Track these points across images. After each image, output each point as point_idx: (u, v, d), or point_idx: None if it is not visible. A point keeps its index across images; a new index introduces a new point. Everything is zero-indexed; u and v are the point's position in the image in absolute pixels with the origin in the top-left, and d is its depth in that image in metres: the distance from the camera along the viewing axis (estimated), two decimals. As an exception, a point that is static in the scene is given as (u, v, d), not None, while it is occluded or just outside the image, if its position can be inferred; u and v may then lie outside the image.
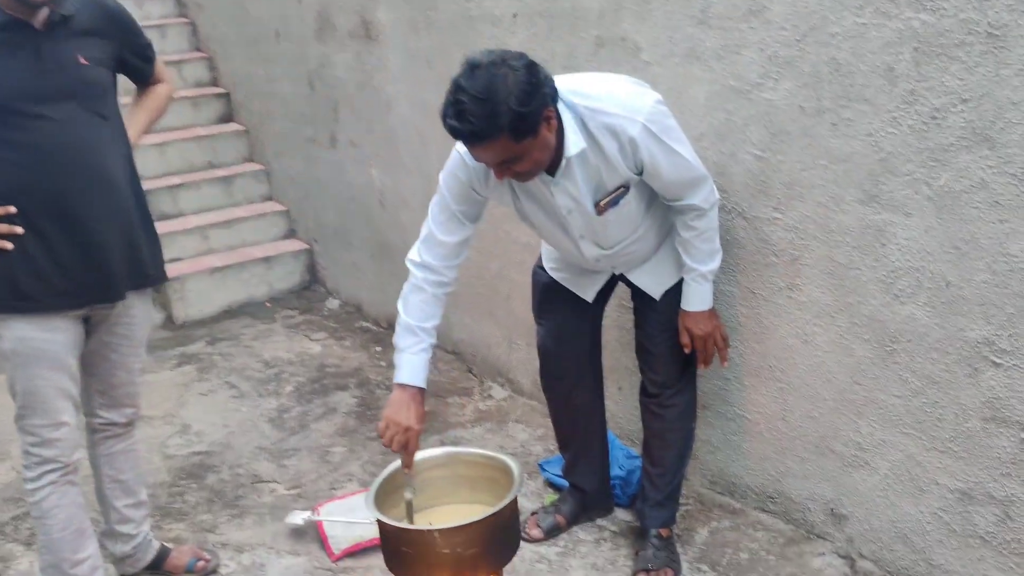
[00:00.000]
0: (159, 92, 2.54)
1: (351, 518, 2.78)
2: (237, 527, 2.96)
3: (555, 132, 2.05)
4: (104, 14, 2.27)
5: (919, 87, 2.06)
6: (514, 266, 3.50)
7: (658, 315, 2.48)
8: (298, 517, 2.89)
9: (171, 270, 5.07)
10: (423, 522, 2.30)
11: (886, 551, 2.44)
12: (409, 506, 2.26)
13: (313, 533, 2.86)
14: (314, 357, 4.39)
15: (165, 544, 2.74)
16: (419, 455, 2.44)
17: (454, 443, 3.39)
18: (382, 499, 2.27)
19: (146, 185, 5.45)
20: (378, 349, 4.43)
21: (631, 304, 2.64)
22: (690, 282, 2.37)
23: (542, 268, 2.62)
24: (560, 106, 2.06)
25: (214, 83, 6.05)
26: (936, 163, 2.08)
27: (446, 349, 4.15)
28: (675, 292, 2.44)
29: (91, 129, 2.22)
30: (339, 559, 2.73)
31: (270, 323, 4.91)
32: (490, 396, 3.80)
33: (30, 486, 2.30)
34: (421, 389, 2.26)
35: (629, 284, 2.50)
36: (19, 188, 2.13)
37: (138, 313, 2.43)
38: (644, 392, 2.60)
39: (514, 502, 2.19)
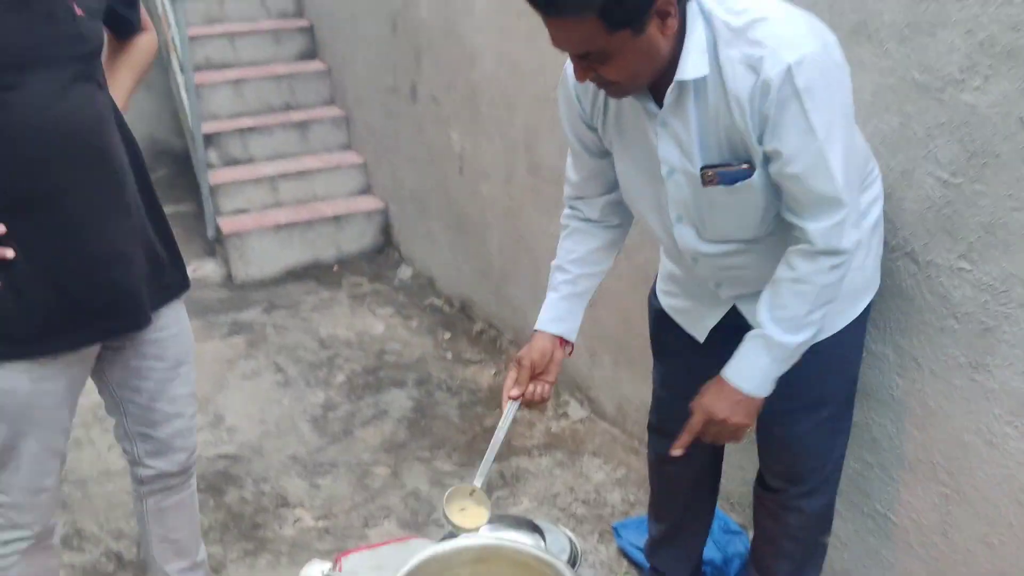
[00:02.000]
0: (144, 45, 1.91)
1: (377, 580, 2.27)
2: (248, 569, 2.49)
3: (671, 39, 1.41)
4: None
5: None
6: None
7: (787, 375, 1.72)
8: (316, 570, 2.39)
9: (235, 223, 4.66)
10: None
11: None
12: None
13: (331, 593, 2.36)
14: (375, 339, 3.88)
15: None
16: (452, 544, 1.90)
17: (514, 476, 2.84)
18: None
19: (216, 127, 5.12)
20: (446, 336, 3.89)
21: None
22: (749, 341, 1.59)
23: (655, 292, 1.98)
24: (691, 9, 1.42)
25: (299, 14, 5.52)
26: None
27: (519, 345, 3.57)
28: (822, 347, 1.68)
29: (87, 101, 1.63)
30: (355, 636, 2.23)
31: (335, 290, 4.44)
32: (565, 415, 3.22)
33: None
34: (542, 333, 1.77)
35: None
36: None
37: (171, 326, 1.86)
38: (761, 482, 1.94)
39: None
